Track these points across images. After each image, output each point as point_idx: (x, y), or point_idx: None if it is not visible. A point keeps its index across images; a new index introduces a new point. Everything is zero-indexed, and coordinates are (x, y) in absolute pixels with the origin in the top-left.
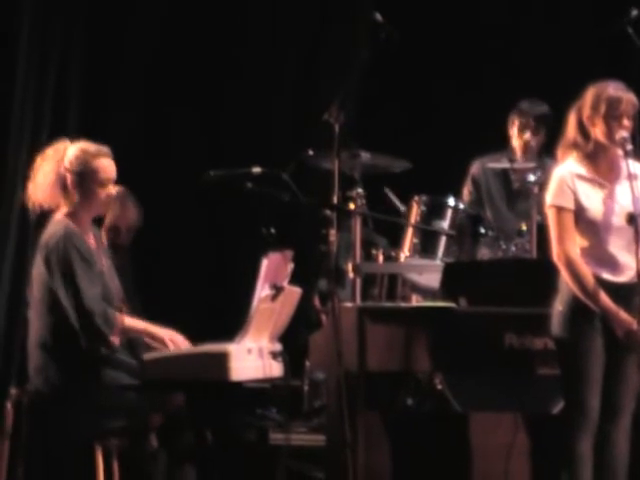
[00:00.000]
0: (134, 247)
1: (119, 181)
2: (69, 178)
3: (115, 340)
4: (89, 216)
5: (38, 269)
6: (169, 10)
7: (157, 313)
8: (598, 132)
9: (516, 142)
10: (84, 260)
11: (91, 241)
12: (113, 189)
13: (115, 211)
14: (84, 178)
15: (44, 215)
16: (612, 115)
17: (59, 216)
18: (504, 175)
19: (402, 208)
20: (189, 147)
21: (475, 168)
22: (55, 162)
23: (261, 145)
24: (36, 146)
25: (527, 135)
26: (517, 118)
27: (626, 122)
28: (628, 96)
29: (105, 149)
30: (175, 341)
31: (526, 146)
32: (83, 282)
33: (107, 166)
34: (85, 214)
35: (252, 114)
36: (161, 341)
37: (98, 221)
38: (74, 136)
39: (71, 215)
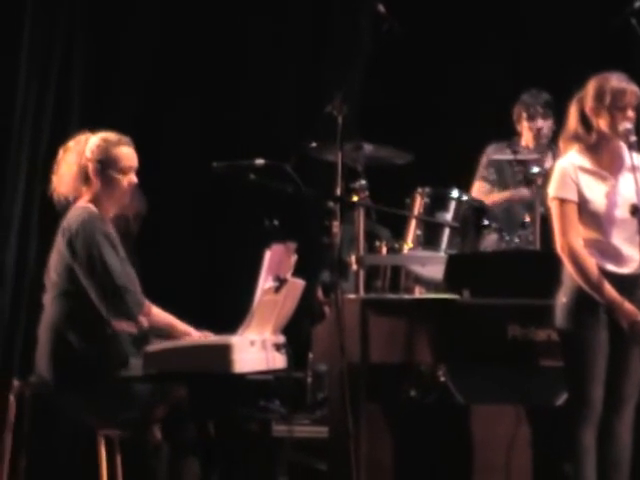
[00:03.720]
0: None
1: None
2: (90, 167)
3: (144, 321)
4: (110, 205)
5: (58, 252)
6: (172, 1)
7: (159, 305)
8: (602, 124)
9: (528, 133)
10: (110, 243)
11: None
12: (134, 177)
13: None
14: (105, 166)
15: (70, 205)
16: (617, 106)
17: (82, 203)
18: (508, 166)
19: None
20: (193, 138)
21: (490, 151)
22: (77, 153)
23: (265, 137)
24: (38, 141)
25: (539, 122)
26: (523, 110)
27: (630, 113)
28: (632, 87)
29: (126, 138)
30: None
31: (539, 133)
32: (112, 261)
33: (128, 154)
34: (107, 203)
35: (256, 105)
36: (184, 335)
37: None
38: (76, 128)
39: (94, 203)
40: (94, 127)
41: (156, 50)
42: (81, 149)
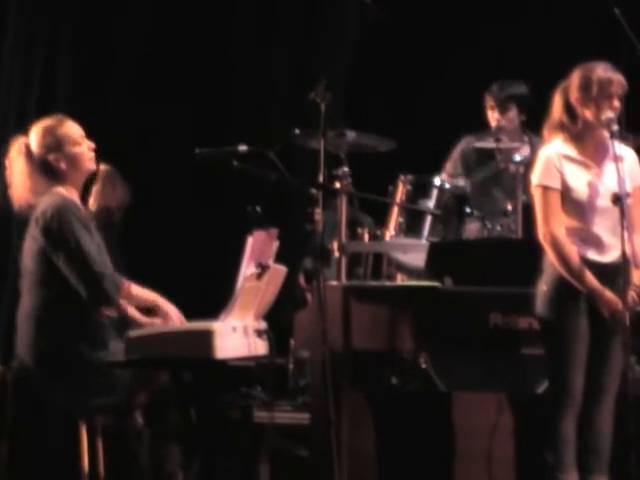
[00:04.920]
0: (121, 225)
1: (107, 159)
2: (51, 157)
3: (125, 304)
4: (80, 178)
5: (32, 239)
6: None
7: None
8: (588, 113)
9: (492, 123)
10: (85, 228)
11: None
12: (90, 142)
13: (105, 191)
14: (62, 146)
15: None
16: (603, 96)
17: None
18: (490, 155)
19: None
20: (177, 125)
21: (464, 144)
22: (24, 157)
23: (252, 124)
24: (23, 121)
25: (496, 114)
26: (487, 99)
27: (616, 103)
28: (618, 77)
29: (59, 115)
30: (175, 318)
31: (498, 126)
32: (89, 247)
33: (72, 126)
34: (77, 177)
35: (245, 93)
36: (165, 314)
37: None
38: (62, 110)
39: (65, 185)
40: (80, 109)
41: (145, 36)
42: (26, 152)
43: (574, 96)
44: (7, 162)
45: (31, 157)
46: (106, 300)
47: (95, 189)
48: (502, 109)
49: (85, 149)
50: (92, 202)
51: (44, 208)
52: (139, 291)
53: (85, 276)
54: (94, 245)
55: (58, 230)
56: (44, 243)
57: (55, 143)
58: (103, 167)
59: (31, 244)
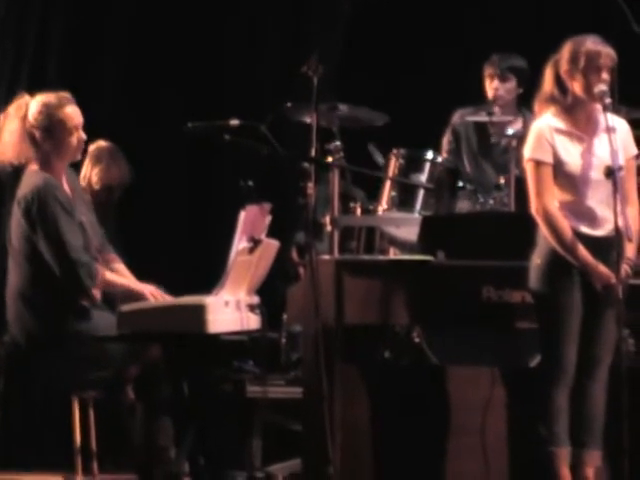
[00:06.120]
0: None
1: (104, 136)
2: (37, 134)
3: (96, 294)
4: (63, 164)
5: (17, 221)
6: None
7: (135, 266)
8: (577, 86)
9: (489, 93)
10: (65, 211)
11: (67, 190)
12: (83, 134)
13: (110, 169)
14: (52, 131)
15: (18, 170)
16: (591, 69)
17: (34, 168)
18: (483, 128)
19: (382, 162)
20: (168, 99)
21: (456, 118)
22: (19, 120)
23: (243, 98)
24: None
25: (495, 83)
26: (487, 69)
27: (605, 75)
28: (607, 50)
29: (66, 95)
30: (155, 295)
31: (496, 95)
32: (67, 233)
33: (72, 113)
34: (59, 163)
35: (234, 66)
36: (141, 295)
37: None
38: (53, 88)
39: (45, 166)
40: (71, 85)
41: (135, 15)
42: (23, 115)
43: (564, 69)
44: (2, 116)
45: (24, 122)
46: (79, 288)
47: (99, 167)
48: (502, 78)
49: (74, 140)
50: (96, 180)
51: (25, 191)
52: (113, 277)
53: (61, 262)
54: (74, 228)
55: (37, 213)
56: (25, 225)
57: (47, 125)
58: (105, 144)
59: (16, 225)
